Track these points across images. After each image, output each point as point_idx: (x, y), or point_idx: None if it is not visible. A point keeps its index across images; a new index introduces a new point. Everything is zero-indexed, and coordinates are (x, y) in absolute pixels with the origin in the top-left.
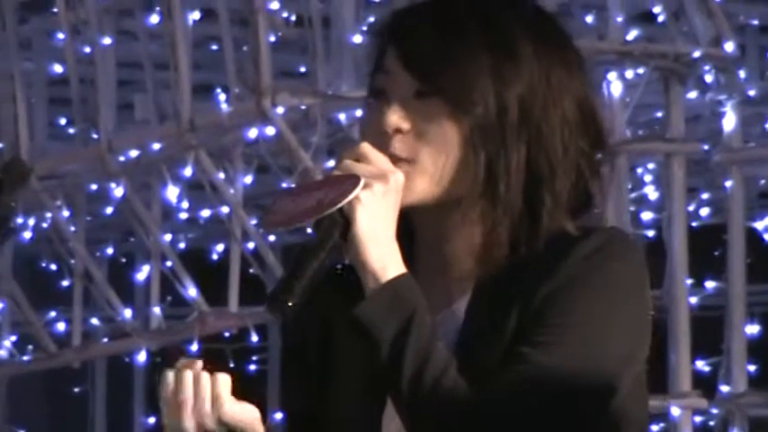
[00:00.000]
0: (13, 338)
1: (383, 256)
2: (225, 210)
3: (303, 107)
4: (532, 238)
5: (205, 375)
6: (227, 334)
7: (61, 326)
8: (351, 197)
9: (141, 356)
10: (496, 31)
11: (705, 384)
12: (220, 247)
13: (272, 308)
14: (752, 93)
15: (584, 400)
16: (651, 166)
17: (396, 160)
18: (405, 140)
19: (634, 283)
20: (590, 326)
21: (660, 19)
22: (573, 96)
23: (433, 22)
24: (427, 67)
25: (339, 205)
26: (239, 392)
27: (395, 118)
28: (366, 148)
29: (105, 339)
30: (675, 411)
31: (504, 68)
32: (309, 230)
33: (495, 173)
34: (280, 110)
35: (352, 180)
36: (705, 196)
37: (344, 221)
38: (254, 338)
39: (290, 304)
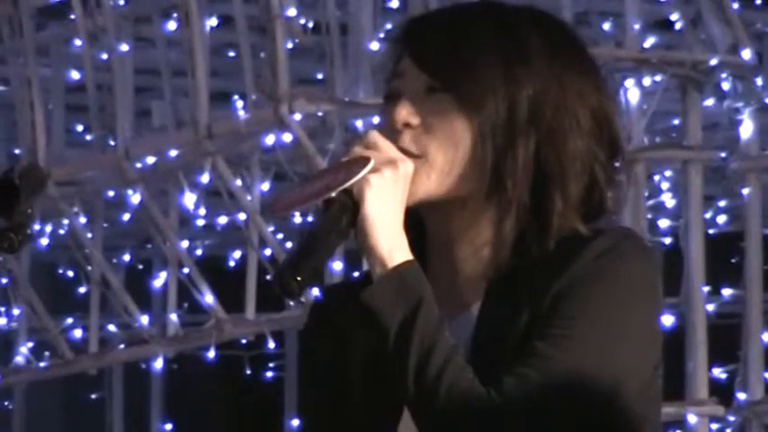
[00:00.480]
0: (30, 345)
1: (391, 242)
2: (242, 217)
3: (320, 114)
4: (542, 237)
5: None
6: (243, 341)
7: (78, 332)
8: (360, 176)
9: (158, 363)
10: (509, 34)
11: (722, 392)
12: (237, 254)
13: (280, 284)
14: None
15: (592, 393)
16: (668, 173)
17: (405, 154)
18: (414, 135)
19: (645, 282)
20: (600, 322)
21: (677, 26)
22: (586, 102)
23: (448, 24)
24: (438, 64)
25: (348, 184)
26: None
27: (404, 113)
28: (375, 135)
29: (122, 346)
30: (692, 419)
31: (516, 69)
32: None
33: (503, 170)
34: (297, 117)
35: (362, 161)
36: (722, 204)
37: (353, 205)
38: (271, 345)
39: (297, 279)
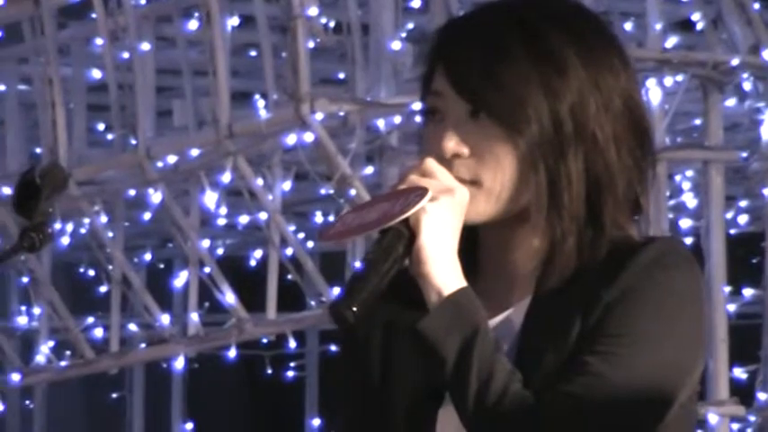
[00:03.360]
0: (51, 344)
1: (446, 270)
2: (263, 216)
3: (341, 114)
4: (596, 245)
5: None
6: (264, 340)
7: (99, 332)
8: (418, 207)
9: (179, 363)
10: (542, 44)
11: (743, 392)
12: (258, 254)
13: (334, 314)
14: None
15: (643, 410)
16: (689, 173)
17: (460, 182)
18: (465, 164)
19: (692, 294)
20: (652, 337)
21: (699, 27)
22: (620, 97)
23: (479, 41)
24: (478, 91)
25: (407, 214)
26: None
27: (452, 144)
28: (431, 163)
29: (143, 346)
30: (713, 419)
31: (553, 82)
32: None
33: (558, 185)
34: (318, 116)
35: (419, 191)
36: (743, 204)
37: (409, 234)
38: (292, 345)
39: (353, 309)
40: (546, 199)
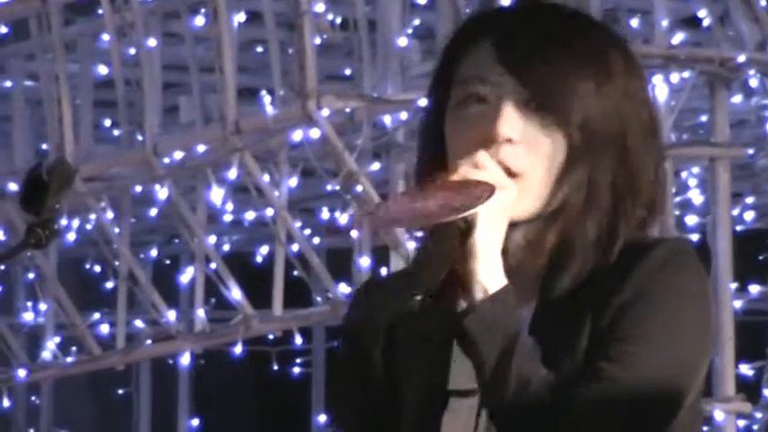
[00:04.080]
0: (58, 340)
1: (493, 268)
2: (270, 212)
3: (348, 110)
4: (610, 248)
5: None
6: (271, 337)
7: (105, 328)
8: (485, 203)
9: (185, 359)
10: (595, 45)
11: (749, 389)
12: (265, 250)
13: (401, 303)
14: None
15: (656, 410)
16: (696, 170)
17: (507, 173)
18: (515, 151)
19: (702, 295)
20: (663, 338)
21: (705, 23)
22: (645, 105)
23: (539, 31)
24: (538, 80)
25: (474, 210)
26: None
27: (507, 128)
28: (484, 157)
29: (149, 342)
30: (719, 416)
31: (604, 84)
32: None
33: (597, 185)
34: (325, 113)
35: (486, 187)
36: (750, 201)
37: (465, 228)
38: (299, 341)
39: (414, 296)
40: (583, 198)
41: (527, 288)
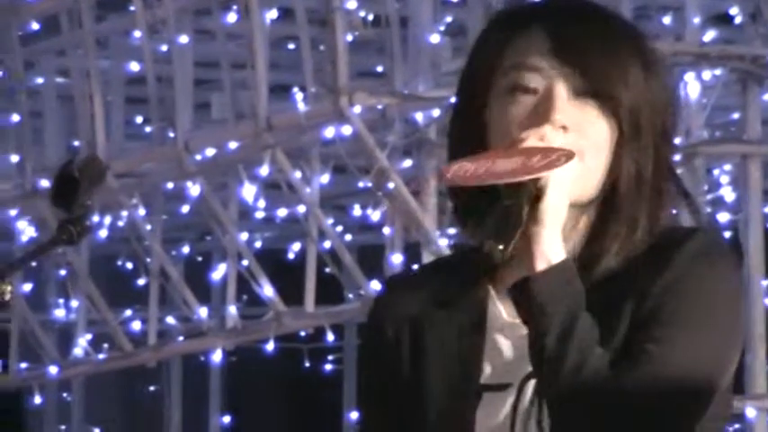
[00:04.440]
0: (89, 337)
1: (556, 238)
2: (301, 209)
3: (380, 107)
4: (650, 234)
5: None
6: (302, 333)
7: (137, 325)
8: (564, 166)
9: (217, 356)
10: (637, 40)
11: None
12: (297, 247)
13: (488, 252)
14: None
15: (694, 396)
16: (727, 167)
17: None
18: (569, 139)
19: (734, 286)
20: (699, 326)
21: (737, 21)
22: (670, 98)
23: (592, 23)
24: (591, 69)
25: (552, 170)
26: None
27: (561, 116)
28: (550, 131)
29: (181, 338)
30: (751, 413)
31: (650, 79)
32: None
33: (643, 174)
34: (357, 110)
35: (563, 152)
36: None
37: (535, 194)
38: (330, 338)
39: (501, 249)
40: (632, 185)
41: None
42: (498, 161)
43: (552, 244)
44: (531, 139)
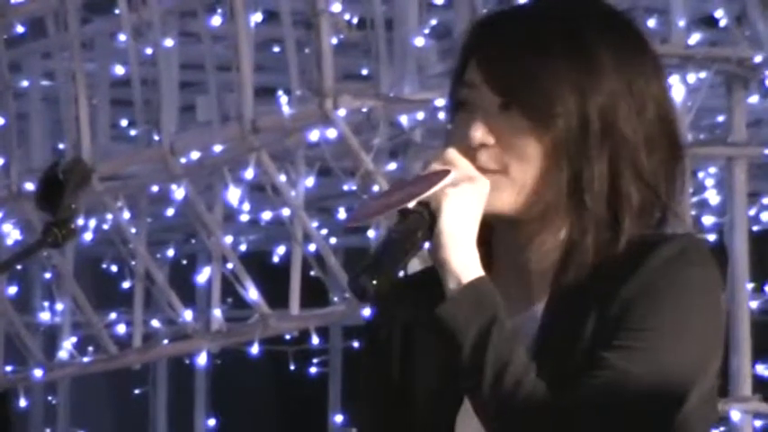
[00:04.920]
0: (75, 340)
1: (465, 258)
2: (286, 212)
3: (365, 109)
4: (614, 244)
5: None
6: (288, 336)
7: (122, 327)
8: (440, 186)
9: (202, 358)
10: (578, 44)
11: (766, 389)
12: (282, 250)
13: (355, 285)
14: None
15: (659, 405)
16: (713, 170)
17: (484, 171)
18: (491, 153)
19: (710, 290)
20: (669, 333)
21: (723, 23)
22: (654, 102)
23: (516, 35)
24: (509, 82)
25: (428, 193)
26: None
27: (479, 133)
28: (453, 153)
29: (166, 341)
30: (736, 416)
31: (585, 81)
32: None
33: (581, 185)
34: (342, 112)
35: (442, 173)
36: (766, 201)
37: (430, 218)
38: (316, 341)
39: (373, 282)
40: (567, 198)
41: (540, 285)
42: (395, 193)
43: (460, 265)
44: (434, 165)
